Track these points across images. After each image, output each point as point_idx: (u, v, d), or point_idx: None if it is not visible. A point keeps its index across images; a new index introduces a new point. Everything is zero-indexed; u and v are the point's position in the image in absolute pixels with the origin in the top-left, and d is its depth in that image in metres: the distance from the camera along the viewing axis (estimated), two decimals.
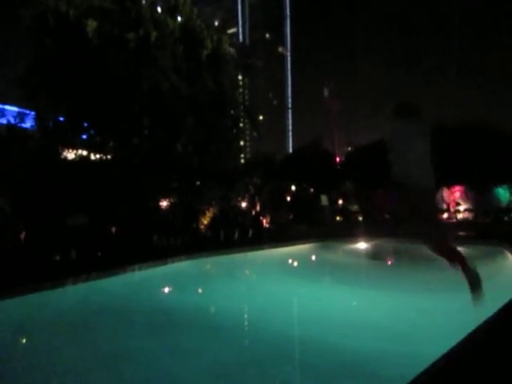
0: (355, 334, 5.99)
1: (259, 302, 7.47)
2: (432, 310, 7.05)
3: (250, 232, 18.63)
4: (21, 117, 14.88)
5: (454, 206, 28.13)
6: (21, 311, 7.13)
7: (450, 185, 28.51)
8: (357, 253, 15.74)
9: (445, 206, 28.68)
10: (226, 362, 5.10)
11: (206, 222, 18.37)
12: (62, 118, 15.76)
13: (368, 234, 16.89)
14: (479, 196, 27.58)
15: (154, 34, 15.50)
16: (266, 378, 4.67)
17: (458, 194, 29.01)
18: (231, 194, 20.87)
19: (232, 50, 19.43)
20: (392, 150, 4.74)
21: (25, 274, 9.12)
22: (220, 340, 5.97)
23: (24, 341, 6.28)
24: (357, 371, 4.74)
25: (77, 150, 15.69)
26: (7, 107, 15.58)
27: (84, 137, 16.22)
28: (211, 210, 18.74)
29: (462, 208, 27.44)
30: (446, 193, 29.44)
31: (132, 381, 4.67)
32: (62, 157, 15.21)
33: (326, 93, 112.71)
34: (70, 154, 15.58)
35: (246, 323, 6.70)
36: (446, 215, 27.31)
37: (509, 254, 11.71)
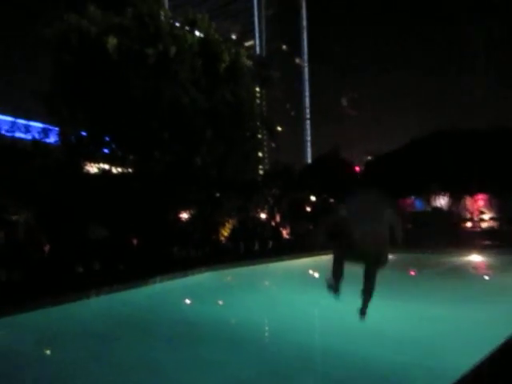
0: (378, 344, 5.88)
1: (280, 313, 7.41)
2: (455, 321, 6.89)
3: (270, 243, 18.58)
4: (45, 132, 15.26)
5: (477, 215, 27.53)
6: (45, 322, 7.24)
7: (472, 193, 27.94)
8: None
9: (468, 215, 28.10)
10: (248, 374, 5.06)
11: (225, 234, 18.41)
12: (84, 133, 16.12)
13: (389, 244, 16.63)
14: (504, 204, 26.91)
15: (172, 49, 15.76)
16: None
17: (481, 203, 28.39)
18: (250, 205, 20.88)
19: (249, 63, 19.57)
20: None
21: (49, 285, 9.28)
22: (241, 352, 5.94)
23: (48, 352, 6.36)
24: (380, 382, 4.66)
25: (99, 163, 15.99)
26: (32, 123, 16.01)
27: (106, 151, 16.53)
28: (231, 221, 18.78)
29: (486, 217, 26.81)
30: (468, 201, 28.86)
31: None
32: (85, 171, 15.51)
33: (344, 102, 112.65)
34: (92, 168, 15.88)
35: (266, 334, 6.65)
36: (469, 224, 26.73)
37: None
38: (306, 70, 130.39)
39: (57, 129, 15.73)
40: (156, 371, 5.32)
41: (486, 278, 12.72)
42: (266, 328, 6.97)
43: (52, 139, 15.54)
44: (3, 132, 14.64)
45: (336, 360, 5.35)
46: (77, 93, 15.30)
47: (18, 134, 15.04)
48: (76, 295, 8.30)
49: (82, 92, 15.19)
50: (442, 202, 29.53)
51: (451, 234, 20.02)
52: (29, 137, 14.93)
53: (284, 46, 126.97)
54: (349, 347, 5.75)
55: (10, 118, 15.81)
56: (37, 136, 15.02)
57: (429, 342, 5.75)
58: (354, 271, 5.41)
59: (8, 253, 10.69)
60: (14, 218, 12.64)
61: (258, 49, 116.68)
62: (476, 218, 27.11)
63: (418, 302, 8.29)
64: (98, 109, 15.33)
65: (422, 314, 7.37)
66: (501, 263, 12.80)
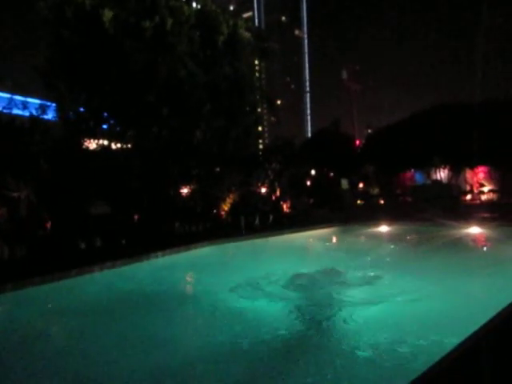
0: (377, 315, 6.02)
1: (281, 284, 7.51)
2: (453, 292, 7.00)
3: (271, 217, 18.66)
4: (43, 108, 15.10)
5: (477, 188, 27.53)
6: (50, 297, 7.36)
7: (473, 166, 27.88)
8: (378, 236, 15.65)
9: (468, 188, 28.12)
10: (249, 342, 5.19)
11: (226, 209, 18.47)
12: (82, 109, 15.97)
13: (390, 218, 16.78)
14: (504, 176, 26.87)
15: (169, 21, 15.46)
16: (289, 356, 4.72)
17: (481, 175, 28.36)
18: (251, 179, 20.88)
19: (248, 35, 19.23)
20: None
21: (52, 261, 9.39)
22: (243, 321, 6.07)
23: (53, 326, 6.48)
24: (378, 351, 4.77)
25: (98, 139, 15.89)
26: (29, 99, 15.83)
27: (104, 127, 16.41)
28: (231, 196, 18.81)
29: (486, 189, 26.80)
30: (469, 174, 28.83)
31: (158, 362, 4.79)
32: (84, 147, 15.44)
33: (344, 75, 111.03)
34: (92, 144, 15.80)
35: (266, 306, 6.74)
36: (469, 196, 26.75)
37: None
38: (306, 41, 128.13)
39: (54, 105, 15.56)
40: (159, 341, 5.45)
41: (484, 250, 12.85)
42: (267, 298, 7.05)
43: (50, 115, 15.39)
44: (0, 109, 14.49)
45: (332, 330, 5.49)
46: (74, 68, 15.08)
47: (16, 111, 14.89)
48: (79, 270, 8.41)
49: (79, 67, 14.98)
50: (442, 175, 29.51)
51: (451, 206, 20.07)
52: (26, 113, 14.79)
53: (283, 18, 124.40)
54: (337, 317, 5.93)
55: (6, 95, 15.61)
56: (34, 112, 14.88)
57: (417, 318, 5.87)
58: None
59: (10, 229, 10.76)
60: (15, 194, 12.65)
61: (256, 21, 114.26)
62: (476, 191, 27.11)
63: (414, 274, 8.42)
64: (95, 84, 15.14)
65: (417, 286, 7.51)
66: (499, 235, 12.90)
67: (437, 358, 3.12)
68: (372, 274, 8.32)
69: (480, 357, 3.21)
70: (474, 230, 13.97)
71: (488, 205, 23.17)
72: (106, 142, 16.07)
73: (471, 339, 3.42)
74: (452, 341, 3.64)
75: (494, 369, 2.95)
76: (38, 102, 15.61)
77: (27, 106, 14.75)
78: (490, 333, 3.63)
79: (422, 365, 3.26)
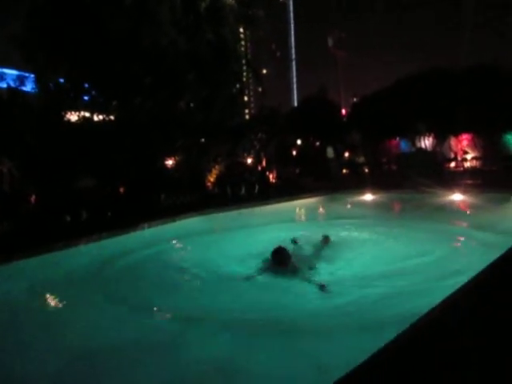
0: (361, 278, 6.21)
1: (267, 252, 7.63)
2: (433, 256, 7.22)
3: (257, 187, 18.74)
4: (21, 80, 14.68)
5: (461, 155, 27.82)
6: (36, 272, 7.36)
7: (457, 133, 28.09)
8: (364, 204, 15.90)
9: (452, 155, 28.42)
10: (239, 308, 5.33)
11: (212, 179, 18.48)
12: (62, 80, 15.55)
13: (375, 186, 16.99)
14: (487, 143, 27.18)
15: None
16: (274, 322, 4.86)
17: (465, 143, 28.63)
18: (237, 150, 20.81)
19: (231, 1, 18.73)
20: None
21: (38, 235, 9.35)
22: (232, 289, 6.21)
23: (39, 300, 6.49)
24: (360, 312, 4.95)
25: (79, 111, 15.56)
26: (6, 70, 15.35)
27: (86, 98, 16.05)
28: (217, 167, 18.79)
29: (469, 156, 27.13)
30: (453, 141, 29.07)
31: (148, 330, 4.90)
32: (66, 119, 15.12)
33: (330, 42, 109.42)
34: (73, 116, 15.48)
35: (255, 273, 6.87)
36: (453, 164, 27.09)
37: None
38: (291, 7, 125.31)
39: (33, 76, 15.11)
40: (149, 312, 5.55)
41: (466, 215, 13.14)
42: (254, 266, 7.17)
43: (29, 87, 14.98)
44: None
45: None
46: (53, 37, 14.57)
47: None
48: (65, 243, 8.40)
49: (57, 36, 14.47)
50: (426, 142, 29.71)
51: (435, 174, 20.34)
52: (4, 85, 14.38)
53: None
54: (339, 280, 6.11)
55: None
56: (12, 84, 14.47)
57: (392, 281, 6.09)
58: None
59: None
60: None
61: None
62: (459, 158, 27.42)
63: (396, 241, 8.65)
64: (75, 54, 14.69)
65: (396, 252, 7.76)
66: (481, 201, 13.18)
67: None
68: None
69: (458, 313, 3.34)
70: (457, 196, 14.24)
71: (471, 172, 23.54)
72: (87, 114, 15.76)
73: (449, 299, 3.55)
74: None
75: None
76: (15, 72, 15.18)
77: (4, 77, 14.34)
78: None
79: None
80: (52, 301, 6.47)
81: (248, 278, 6.31)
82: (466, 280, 4.04)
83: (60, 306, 6.24)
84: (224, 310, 5.34)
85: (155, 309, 5.70)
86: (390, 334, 2.80)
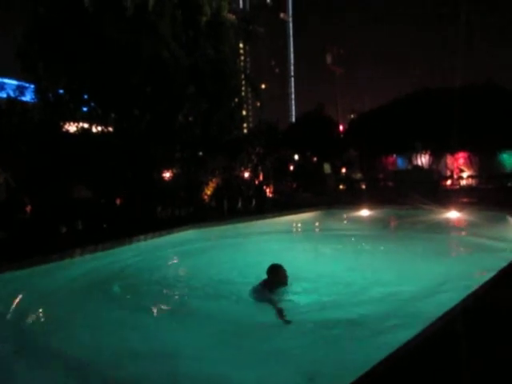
0: (356, 296, 6.17)
1: (263, 268, 7.59)
2: (432, 273, 7.20)
3: (254, 202, 18.74)
4: (20, 90, 14.75)
5: (457, 173, 28.00)
6: (30, 283, 7.28)
7: (453, 151, 28.34)
8: (360, 220, 15.91)
9: (448, 173, 28.60)
10: (235, 322, 5.27)
11: (209, 193, 18.46)
12: (62, 91, 15.62)
13: (371, 202, 17.05)
14: (483, 162, 27.39)
15: (151, 0, 15.11)
16: (271, 338, 4.81)
17: (461, 161, 28.85)
18: (234, 164, 20.85)
19: (232, 17, 18.95)
20: None
21: (33, 246, 9.28)
22: (225, 306, 6.15)
23: (34, 311, 6.42)
24: (355, 332, 4.91)
25: (78, 122, 15.61)
26: (6, 80, 15.42)
27: (85, 109, 16.11)
28: (214, 180, 18.79)
29: (465, 174, 27.29)
30: (449, 159, 29.31)
31: (142, 346, 4.84)
32: (64, 130, 15.16)
33: (328, 59, 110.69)
34: (72, 127, 15.52)
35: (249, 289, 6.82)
36: (449, 182, 27.23)
37: (511, 220, 11.78)
38: (291, 25, 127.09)
39: (33, 86, 15.19)
40: (141, 326, 5.49)
41: (461, 234, 13.16)
42: (249, 282, 7.12)
43: (28, 97, 15.05)
44: None
45: (314, 309, 5.63)
46: (53, 48, 14.68)
47: None
48: (60, 255, 8.33)
49: (57, 47, 14.58)
50: (423, 160, 29.92)
51: (431, 191, 20.43)
52: (3, 95, 14.43)
53: (268, 0, 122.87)
54: (317, 295, 6.15)
55: None
56: (12, 94, 14.53)
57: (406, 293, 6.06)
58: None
59: None
60: None
61: (241, 2, 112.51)
62: (455, 176, 27.58)
63: (391, 255, 8.63)
64: (75, 65, 14.78)
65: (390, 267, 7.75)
66: (475, 219, 13.23)
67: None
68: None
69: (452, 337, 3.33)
70: (452, 214, 14.27)
71: (467, 190, 23.65)
72: (86, 125, 15.80)
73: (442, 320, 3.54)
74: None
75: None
76: (15, 83, 15.25)
77: (4, 87, 14.41)
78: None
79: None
80: (41, 315, 6.37)
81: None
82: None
83: (48, 319, 6.13)
84: None
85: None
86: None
